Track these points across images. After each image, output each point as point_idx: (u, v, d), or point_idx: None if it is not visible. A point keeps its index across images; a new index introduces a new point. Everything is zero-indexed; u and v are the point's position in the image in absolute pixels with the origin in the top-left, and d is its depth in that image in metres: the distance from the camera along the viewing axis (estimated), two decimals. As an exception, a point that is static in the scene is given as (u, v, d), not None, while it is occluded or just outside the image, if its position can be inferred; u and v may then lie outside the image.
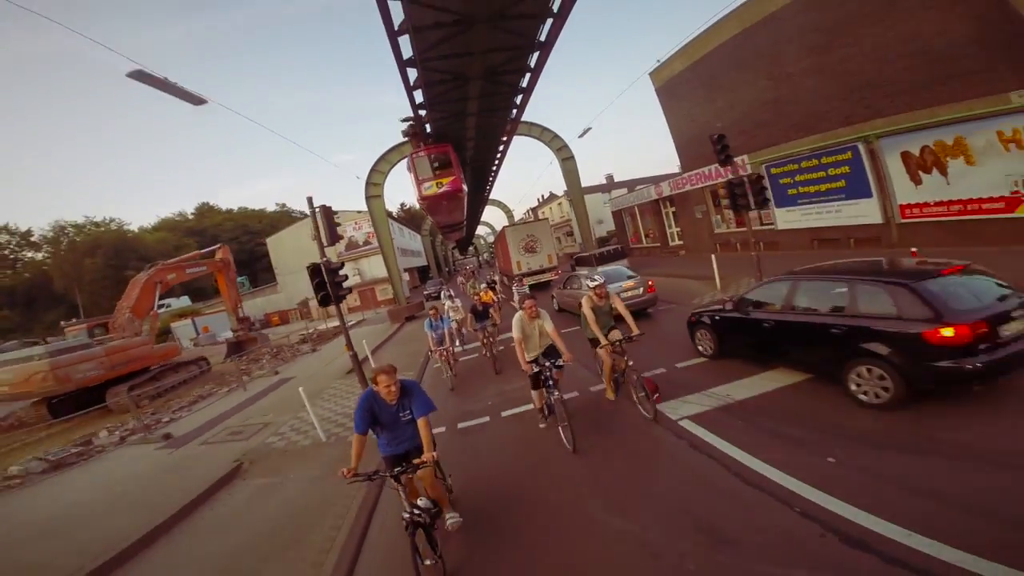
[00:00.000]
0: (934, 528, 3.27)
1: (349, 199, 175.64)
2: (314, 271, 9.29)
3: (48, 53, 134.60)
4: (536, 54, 15.84)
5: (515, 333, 6.33)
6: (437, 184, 21.31)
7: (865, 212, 14.50)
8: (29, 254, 65.05)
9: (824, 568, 3.14)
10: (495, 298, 15.05)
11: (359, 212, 46.86)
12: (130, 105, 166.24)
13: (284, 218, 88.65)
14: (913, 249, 9.61)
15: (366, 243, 45.60)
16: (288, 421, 9.67)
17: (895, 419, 4.77)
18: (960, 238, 12.23)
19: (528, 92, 19.39)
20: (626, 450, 5.49)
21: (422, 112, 18.66)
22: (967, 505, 3.44)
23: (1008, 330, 4.45)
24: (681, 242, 25.46)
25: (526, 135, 28.23)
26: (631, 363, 6.32)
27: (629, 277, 12.93)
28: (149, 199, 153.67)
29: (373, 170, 26.63)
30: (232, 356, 21.52)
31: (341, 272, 9.92)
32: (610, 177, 57.83)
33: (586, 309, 6.70)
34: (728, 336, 7.30)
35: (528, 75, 17.79)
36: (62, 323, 18.64)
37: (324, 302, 9.29)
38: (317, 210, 10.37)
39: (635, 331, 6.24)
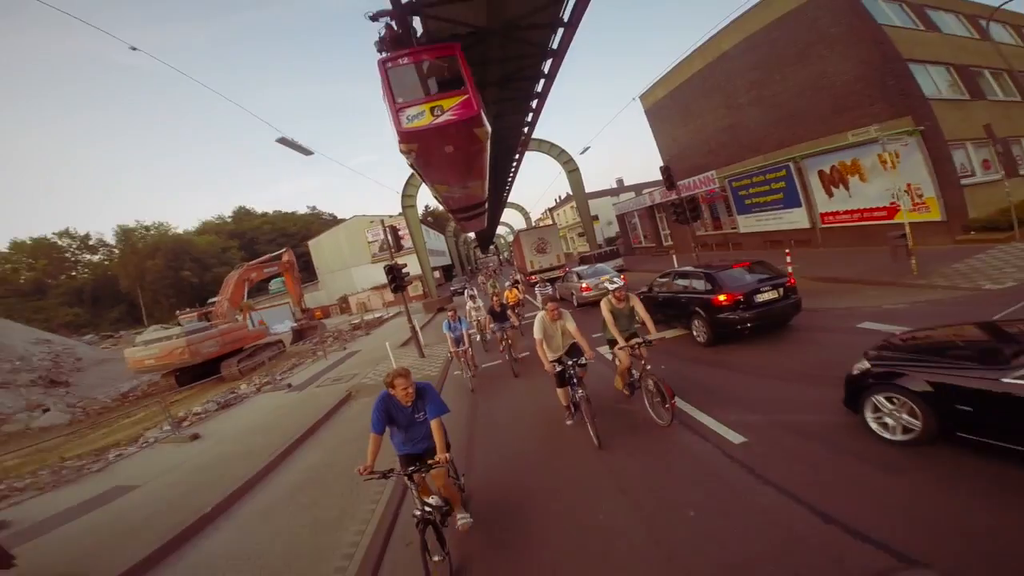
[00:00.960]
0: (700, 403, 6.63)
1: (374, 198, 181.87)
2: (389, 269, 13.92)
3: (69, 58, 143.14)
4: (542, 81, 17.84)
5: (536, 333, 6.57)
6: (432, 109, 11.16)
7: (798, 219, 18.52)
8: (87, 256, 72.49)
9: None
10: (520, 297, 15.49)
11: (390, 216, 52.21)
12: (153, 112, 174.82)
13: (315, 220, 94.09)
14: (787, 250, 13.69)
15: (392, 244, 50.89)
16: (370, 371, 14.37)
17: (710, 350, 9.11)
18: (861, 239, 16.11)
19: (536, 112, 22.73)
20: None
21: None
22: (723, 393, 6.88)
23: (760, 298, 8.72)
24: (671, 243, 29.55)
25: (536, 151, 32.63)
26: (648, 367, 6.52)
27: (607, 272, 17.25)
28: (180, 202, 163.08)
29: (408, 184, 31.43)
30: (298, 341, 26.63)
31: (403, 270, 14.60)
32: (620, 181, 62.00)
33: (605, 312, 6.84)
34: (646, 307, 11.74)
35: (535, 100, 21.29)
36: (177, 312, 23.78)
37: (396, 290, 13.93)
38: (387, 228, 15.14)
39: (654, 335, 6.46)
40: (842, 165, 16.22)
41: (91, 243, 72.61)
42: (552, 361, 6.55)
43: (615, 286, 6.90)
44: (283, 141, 11.74)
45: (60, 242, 69.99)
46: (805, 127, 17.36)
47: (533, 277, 26.60)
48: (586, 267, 19.82)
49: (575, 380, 6.36)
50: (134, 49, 10.18)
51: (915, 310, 9.11)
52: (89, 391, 22.65)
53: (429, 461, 4.38)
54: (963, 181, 13.86)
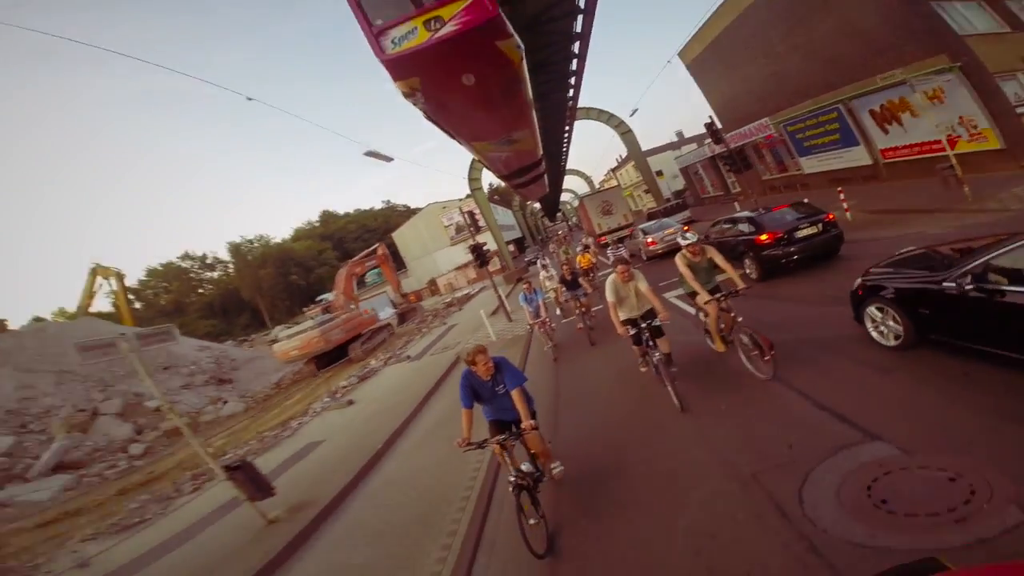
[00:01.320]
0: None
1: (440, 183, 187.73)
2: (473, 248, 16.21)
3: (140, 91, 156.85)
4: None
5: (609, 297, 6.41)
6: (428, 23, 7.83)
7: (858, 157, 18.52)
8: (208, 274, 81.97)
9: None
10: (593, 261, 15.41)
11: (459, 200, 55.05)
12: (223, 130, 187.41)
13: (392, 213, 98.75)
14: (840, 188, 14.28)
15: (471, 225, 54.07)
16: (471, 337, 16.81)
17: (761, 285, 10.37)
18: (926, 171, 15.83)
19: (576, 88, 22.03)
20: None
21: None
22: (766, 322, 7.63)
23: (800, 234, 9.88)
24: (739, 189, 29.57)
25: (585, 119, 33.19)
26: (740, 319, 6.21)
27: (671, 226, 18.35)
28: (268, 213, 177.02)
29: (471, 167, 33.23)
30: (402, 323, 30.19)
31: (484, 248, 16.81)
32: (680, 134, 60.51)
33: (681, 267, 6.52)
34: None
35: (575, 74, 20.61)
36: (304, 309, 27.90)
37: (481, 266, 16.18)
38: (465, 214, 17.39)
39: (740, 285, 6.01)
40: (891, 103, 16.08)
41: (208, 262, 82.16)
42: (625, 323, 6.43)
43: (688, 241, 6.51)
44: (369, 153, 13.15)
45: (183, 264, 79.63)
46: (845, 70, 17.21)
47: (602, 238, 27.74)
48: (651, 223, 20.70)
49: (651, 343, 6.16)
50: (250, 100, 12.61)
51: (957, 233, 9.52)
52: (248, 384, 27.32)
53: (515, 429, 4.70)
54: (1020, 110, 13.57)
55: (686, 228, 17.60)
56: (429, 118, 11.50)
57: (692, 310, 7.69)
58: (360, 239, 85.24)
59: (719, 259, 6.47)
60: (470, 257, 55.69)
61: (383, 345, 24.28)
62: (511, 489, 4.44)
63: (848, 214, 13.78)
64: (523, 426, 4.60)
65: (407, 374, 15.62)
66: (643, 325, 6.24)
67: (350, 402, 14.32)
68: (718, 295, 6.32)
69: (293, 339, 22.82)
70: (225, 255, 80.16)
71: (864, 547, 3.27)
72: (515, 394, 4.66)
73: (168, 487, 12.82)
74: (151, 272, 76.82)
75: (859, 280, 5.91)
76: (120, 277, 42.53)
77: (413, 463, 8.35)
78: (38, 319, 54.30)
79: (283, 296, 65.99)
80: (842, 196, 13.70)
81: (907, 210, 12.95)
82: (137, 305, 69.71)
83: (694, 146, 46.01)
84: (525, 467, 4.78)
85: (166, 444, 19.82)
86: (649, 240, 18.41)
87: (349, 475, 8.54)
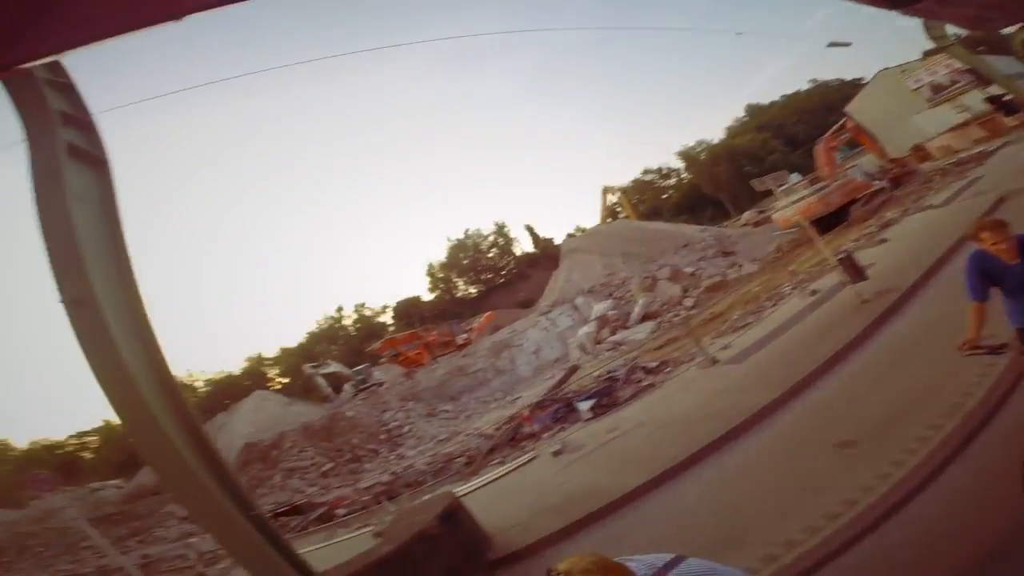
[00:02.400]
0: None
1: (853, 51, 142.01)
2: (992, 99, 15.91)
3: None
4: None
5: None
6: None
7: None
8: (666, 182, 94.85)
9: None
10: None
11: (920, 60, 45.43)
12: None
13: (823, 90, 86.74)
14: None
15: (952, 83, 45.11)
16: (1016, 182, 15.89)
17: None
18: None
19: None
20: None
21: None
22: None
23: None
24: None
25: None
26: None
27: None
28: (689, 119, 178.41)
29: (927, 26, 27.19)
30: (896, 188, 29.60)
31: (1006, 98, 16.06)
32: None
33: None
34: None
35: None
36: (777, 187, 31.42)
37: (1008, 114, 15.76)
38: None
39: None
40: None
41: (664, 172, 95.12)
42: None
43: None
44: (832, 44, 14.37)
45: (646, 178, 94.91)
46: None
47: None
48: None
49: None
50: (739, 34, 16.38)
51: None
52: (750, 253, 33.19)
53: None
54: None
55: None
56: None
57: None
58: (801, 122, 79.42)
59: None
60: (965, 116, 45.20)
61: (884, 206, 25.18)
62: None
63: None
64: None
65: (934, 219, 16.76)
66: None
67: (882, 240, 17.46)
68: None
69: (793, 207, 27.02)
70: (674, 165, 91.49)
71: None
72: None
73: (751, 307, 18.23)
74: (624, 191, 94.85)
75: None
76: (623, 191, 57.72)
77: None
78: (580, 229, 77.95)
79: (736, 187, 69.52)
80: None
81: None
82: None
83: None
84: None
85: (706, 298, 27.34)
86: None
87: (917, 274, 10.35)
